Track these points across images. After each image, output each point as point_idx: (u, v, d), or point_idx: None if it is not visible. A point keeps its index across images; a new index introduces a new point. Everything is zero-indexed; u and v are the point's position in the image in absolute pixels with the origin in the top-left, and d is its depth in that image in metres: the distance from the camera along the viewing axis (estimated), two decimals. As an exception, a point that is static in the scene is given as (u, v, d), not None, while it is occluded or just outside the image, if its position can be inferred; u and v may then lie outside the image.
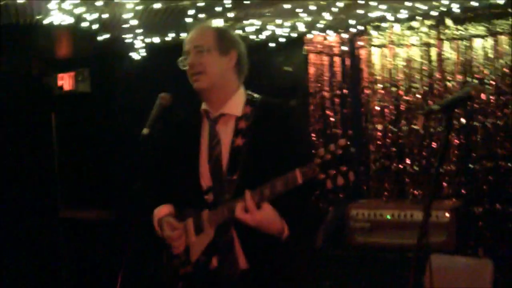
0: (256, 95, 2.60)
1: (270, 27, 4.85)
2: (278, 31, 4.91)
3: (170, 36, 4.83)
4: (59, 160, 5.33)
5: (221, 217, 2.41)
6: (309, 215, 2.57)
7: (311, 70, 5.35)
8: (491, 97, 4.67)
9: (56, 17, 4.20)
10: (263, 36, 5.01)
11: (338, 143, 2.13)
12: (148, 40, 4.92)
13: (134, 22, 4.36)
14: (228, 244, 2.47)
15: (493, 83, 4.66)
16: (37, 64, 5.25)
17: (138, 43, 4.99)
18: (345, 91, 5.28)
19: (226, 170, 2.48)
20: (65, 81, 5.17)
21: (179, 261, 2.58)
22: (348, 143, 2.13)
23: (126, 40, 4.88)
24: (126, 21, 4.34)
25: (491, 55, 4.67)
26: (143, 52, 5.09)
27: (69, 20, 4.26)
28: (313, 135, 5.29)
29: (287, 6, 4.23)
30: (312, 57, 5.34)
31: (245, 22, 4.65)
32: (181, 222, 2.56)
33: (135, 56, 5.10)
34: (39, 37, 4.97)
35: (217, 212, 2.43)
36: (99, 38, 4.67)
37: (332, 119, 5.32)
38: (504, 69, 4.62)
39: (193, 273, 2.54)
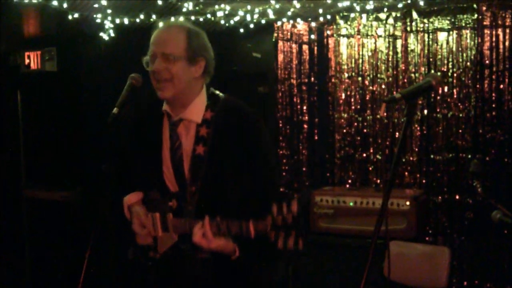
0: (218, 95, 2.50)
1: (240, 12, 4.86)
2: (248, 17, 4.93)
3: (140, 17, 4.81)
4: (24, 139, 5.27)
5: (184, 229, 2.38)
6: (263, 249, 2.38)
7: (280, 57, 5.38)
8: (453, 89, 4.78)
9: (27, -6, 4.15)
10: (233, 21, 5.02)
11: (291, 207, 2.06)
12: (117, 20, 4.89)
13: (104, 2, 4.33)
14: (190, 249, 2.41)
15: (456, 75, 4.78)
16: (4, 42, 5.17)
17: (108, 24, 4.95)
18: (312, 79, 5.34)
19: (188, 179, 2.42)
20: (32, 59, 5.11)
21: (148, 246, 2.54)
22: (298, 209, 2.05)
23: (96, 20, 4.84)
24: (96, 1, 4.31)
25: (454, 49, 4.77)
26: (112, 33, 5.06)
27: (39, -3, 4.22)
28: (280, 121, 5.35)
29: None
30: (281, 44, 5.38)
31: (215, 6, 4.65)
32: (149, 214, 2.50)
33: (104, 36, 5.06)
34: (7, 14, 4.89)
35: (180, 222, 2.40)
36: (69, 17, 4.62)
37: (299, 106, 5.37)
38: (467, 63, 4.73)
39: (160, 259, 2.51)
